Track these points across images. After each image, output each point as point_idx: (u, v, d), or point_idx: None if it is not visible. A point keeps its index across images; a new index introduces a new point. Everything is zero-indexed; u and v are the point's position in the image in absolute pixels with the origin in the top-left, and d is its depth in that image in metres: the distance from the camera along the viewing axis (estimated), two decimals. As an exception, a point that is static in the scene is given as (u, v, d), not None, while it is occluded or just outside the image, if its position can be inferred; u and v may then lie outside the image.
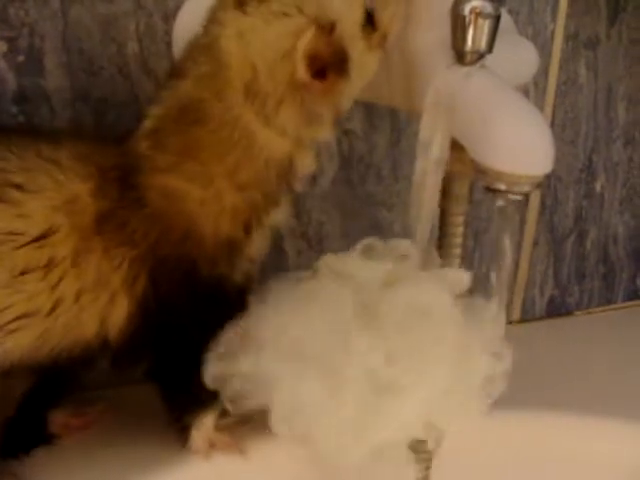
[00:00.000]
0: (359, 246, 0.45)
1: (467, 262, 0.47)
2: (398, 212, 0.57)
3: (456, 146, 0.42)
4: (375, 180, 0.57)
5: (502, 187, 0.40)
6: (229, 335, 0.43)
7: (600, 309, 0.73)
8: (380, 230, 0.57)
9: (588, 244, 0.70)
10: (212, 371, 0.42)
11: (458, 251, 0.46)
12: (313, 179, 0.55)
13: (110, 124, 0.49)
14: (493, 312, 0.44)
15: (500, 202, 0.41)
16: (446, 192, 0.45)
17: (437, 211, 0.45)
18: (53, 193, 0.40)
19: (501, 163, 0.39)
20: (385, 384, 0.41)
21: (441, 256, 0.46)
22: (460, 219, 0.45)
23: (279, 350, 0.42)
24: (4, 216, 0.39)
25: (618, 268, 0.72)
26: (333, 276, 0.44)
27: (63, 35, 0.47)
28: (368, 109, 0.55)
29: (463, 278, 0.44)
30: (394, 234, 0.45)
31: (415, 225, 0.44)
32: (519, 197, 0.41)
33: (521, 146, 0.39)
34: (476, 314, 0.44)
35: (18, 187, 0.39)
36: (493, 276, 0.44)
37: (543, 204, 0.67)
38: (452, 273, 0.45)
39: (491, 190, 0.40)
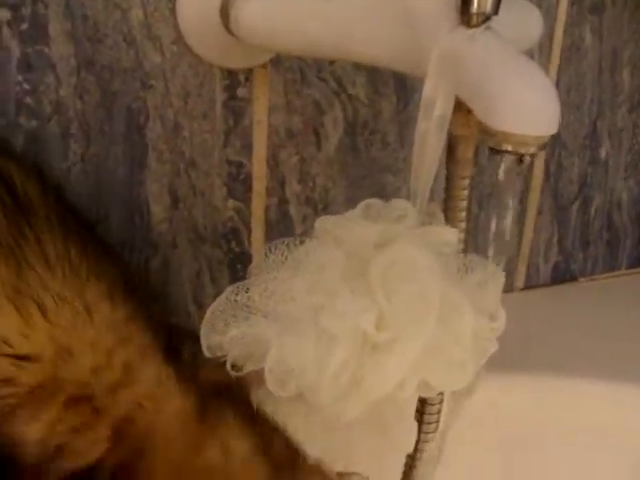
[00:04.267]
0: (359, 207, 0.45)
1: (472, 227, 0.47)
2: (404, 177, 0.57)
3: (462, 109, 0.42)
4: (380, 146, 0.57)
5: (509, 148, 0.40)
6: (219, 302, 0.43)
7: (604, 276, 0.73)
8: (386, 195, 0.56)
9: (592, 211, 0.70)
10: (206, 342, 0.43)
11: (464, 214, 0.46)
12: (318, 145, 0.55)
13: (115, 92, 0.49)
14: (488, 272, 0.45)
15: (506, 164, 0.41)
16: (451, 155, 0.45)
17: (438, 172, 0.45)
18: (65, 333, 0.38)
19: (508, 124, 0.39)
20: (374, 343, 0.41)
21: (447, 220, 0.46)
22: (465, 182, 0.45)
23: (270, 312, 0.42)
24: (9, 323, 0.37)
25: (622, 235, 0.73)
26: (329, 237, 0.44)
27: (67, 2, 0.47)
28: (372, 74, 0.55)
29: (452, 236, 0.44)
30: (400, 200, 0.45)
31: (415, 186, 0.45)
32: (526, 158, 0.41)
33: (527, 107, 0.39)
34: (469, 273, 0.44)
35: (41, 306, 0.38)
36: (491, 249, 0.44)
37: (547, 171, 0.67)
38: (442, 231, 0.45)
39: (497, 151, 0.40)
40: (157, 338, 0.41)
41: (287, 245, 0.44)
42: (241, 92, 0.52)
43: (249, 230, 0.55)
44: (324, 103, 0.54)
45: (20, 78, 0.47)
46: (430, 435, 0.49)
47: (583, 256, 0.71)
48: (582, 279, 0.72)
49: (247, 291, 0.43)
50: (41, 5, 0.46)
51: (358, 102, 0.55)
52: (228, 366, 0.43)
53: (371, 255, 0.43)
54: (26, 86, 0.47)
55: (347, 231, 0.44)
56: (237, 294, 0.43)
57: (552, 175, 0.67)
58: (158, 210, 0.53)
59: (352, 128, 0.56)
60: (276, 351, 0.42)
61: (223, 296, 0.43)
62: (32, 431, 0.37)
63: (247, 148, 0.53)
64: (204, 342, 0.42)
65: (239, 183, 0.54)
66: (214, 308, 0.43)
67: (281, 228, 0.56)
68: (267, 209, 0.55)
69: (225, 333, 0.42)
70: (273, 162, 0.55)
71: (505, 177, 0.42)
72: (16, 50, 0.47)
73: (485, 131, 0.41)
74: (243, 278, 0.43)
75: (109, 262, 0.42)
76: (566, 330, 0.64)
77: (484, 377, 0.47)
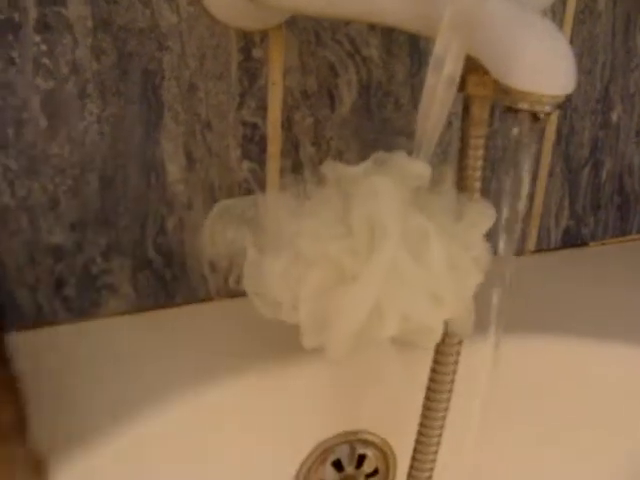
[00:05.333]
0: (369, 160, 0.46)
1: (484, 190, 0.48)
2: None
3: (477, 69, 0.43)
4: (393, 108, 0.57)
5: (525, 107, 0.40)
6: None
7: (614, 240, 0.74)
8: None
9: (603, 175, 0.70)
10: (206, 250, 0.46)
11: (478, 174, 0.46)
12: (332, 106, 0.56)
13: (131, 53, 0.49)
14: (473, 209, 0.45)
15: (520, 124, 0.42)
16: (466, 115, 0.45)
17: (452, 136, 0.46)
18: None
19: (524, 82, 0.40)
20: (345, 271, 0.43)
21: (461, 181, 0.47)
22: (480, 142, 0.45)
23: (256, 233, 0.45)
24: None
25: (633, 199, 0.73)
26: (332, 181, 0.45)
27: (83, -39, 0.47)
28: (386, 37, 0.55)
29: (424, 170, 0.45)
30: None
31: (419, 140, 0.45)
32: (541, 117, 0.41)
33: (544, 65, 0.39)
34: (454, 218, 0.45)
35: None
36: (505, 211, 0.45)
37: (559, 134, 0.67)
38: (414, 166, 0.45)
39: (513, 110, 0.41)
40: None
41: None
42: (256, 53, 0.52)
43: (263, 192, 0.56)
44: (338, 65, 0.55)
45: (37, 39, 0.47)
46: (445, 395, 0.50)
47: (594, 220, 0.71)
48: (593, 243, 0.72)
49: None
50: (58, -35, 0.47)
51: (372, 64, 0.55)
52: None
53: (353, 192, 0.44)
54: (43, 47, 0.48)
55: (345, 172, 0.45)
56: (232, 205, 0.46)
57: (564, 138, 0.67)
58: (174, 170, 0.53)
59: (366, 90, 0.56)
60: (252, 268, 0.44)
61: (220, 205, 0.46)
62: None
63: (262, 109, 0.54)
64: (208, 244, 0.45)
65: (254, 145, 0.54)
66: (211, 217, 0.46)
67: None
68: (281, 171, 0.56)
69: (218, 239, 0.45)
70: (287, 124, 0.55)
71: (519, 139, 0.42)
72: (33, 11, 0.47)
73: (501, 90, 0.41)
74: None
75: None
76: (575, 292, 0.64)
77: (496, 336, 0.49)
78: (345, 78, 0.55)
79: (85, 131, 0.50)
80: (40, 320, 0.53)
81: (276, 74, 0.53)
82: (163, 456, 0.48)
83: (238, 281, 0.46)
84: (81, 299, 0.54)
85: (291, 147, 0.55)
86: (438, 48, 0.43)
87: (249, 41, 0.52)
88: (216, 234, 0.46)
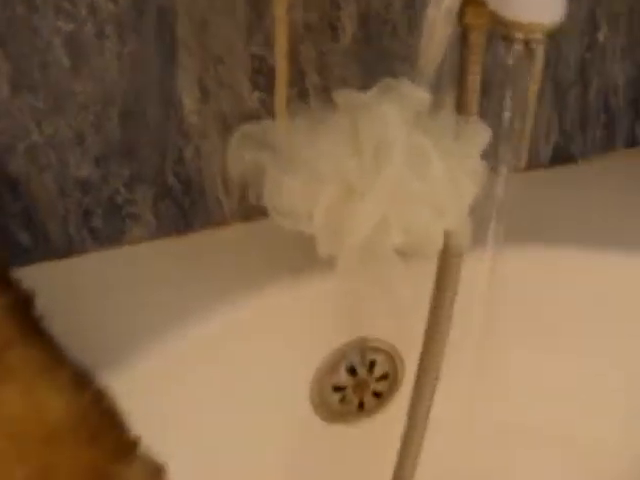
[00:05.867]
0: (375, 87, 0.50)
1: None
2: (412, 64, 0.61)
3: (475, 2, 0.46)
4: (391, 35, 0.60)
5: (520, 36, 0.44)
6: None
7: (601, 156, 0.78)
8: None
9: (590, 94, 0.74)
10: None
11: (476, 96, 0.50)
12: (335, 37, 0.59)
13: None
14: (469, 127, 0.50)
15: (516, 51, 0.45)
16: (465, 42, 0.49)
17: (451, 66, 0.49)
18: None
19: (519, 14, 0.43)
20: (353, 188, 0.48)
21: (460, 105, 0.50)
22: (478, 67, 0.49)
23: (274, 155, 0.49)
24: None
25: (618, 117, 0.76)
26: (343, 107, 0.50)
27: None
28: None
29: (423, 94, 0.49)
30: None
31: (422, 66, 0.49)
32: (533, 45, 0.45)
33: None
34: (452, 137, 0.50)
35: None
36: (506, 117, 0.49)
37: (547, 57, 0.70)
38: (414, 92, 0.49)
39: (508, 39, 0.45)
40: None
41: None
42: (262, -12, 0.55)
43: (273, 119, 0.59)
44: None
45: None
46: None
47: (582, 138, 0.75)
48: (581, 160, 0.76)
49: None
50: None
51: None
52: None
53: (361, 114, 0.49)
54: None
55: (355, 98, 0.49)
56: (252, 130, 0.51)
57: (552, 60, 0.70)
58: (189, 102, 0.56)
59: (365, 20, 0.59)
60: (271, 187, 0.49)
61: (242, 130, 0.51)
62: None
63: (269, 43, 0.57)
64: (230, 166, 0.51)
65: (262, 76, 0.58)
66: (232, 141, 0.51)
67: (302, 118, 0.60)
68: (289, 99, 0.59)
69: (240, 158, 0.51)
70: (293, 55, 0.58)
71: (513, 65, 0.46)
72: (51, -45, 0.49)
73: (498, 21, 0.45)
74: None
75: None
76: (565, 206, 0.69)
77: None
78: (346, 10, 0.58)
79: (105, 69, 0.53)
80: (70, 250, 0.58)
81: (281, 8, 0.56)
82: (199, 366, 0.53)
83: (258, 198, 0.50)
84: (107, 229, 0.58)
85: (297, 76, 0.59)
86: (437, -19, 0.46)
87: (254, -23, 0.55)
88: (237, 157, 0.50)
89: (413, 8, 0.60)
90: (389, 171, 0.47)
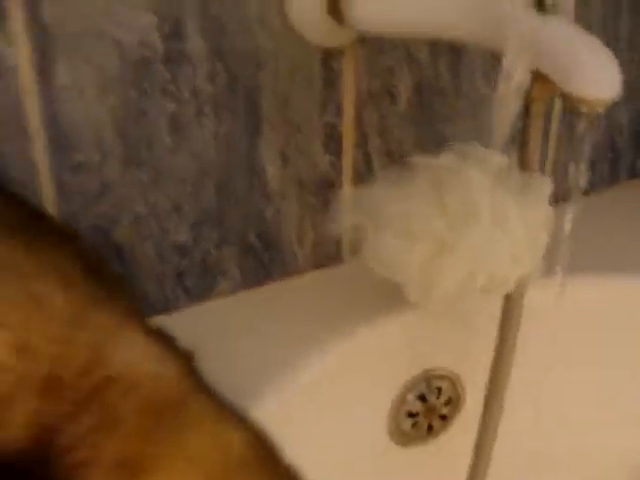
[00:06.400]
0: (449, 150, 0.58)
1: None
2: (459, 126, 0.69)
3: (541, 77, 0.54)
4: (441, 101, 0.68)
5: (584, 110, 0.52)
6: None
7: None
8: (445, 141, 0.68)
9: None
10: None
11: (537, 156, 0.57)
12: (393, 102, 0.66)
13: (236, 74, 0.58)
14: (536, 183, 0.57)
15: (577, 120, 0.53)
16: (527, 112, 0.56)
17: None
18: None
19: (585, 90, 0.51)
20: (444, 242, 0.56)
21: (523, 161, 0.58)
22: (539, 133, 0.57)
23: (372, 212, 0.57)
24: None
25: (622, 153, 0.86)
26: (422, 168, 0.58)
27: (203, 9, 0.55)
28: (433, 46, 0.65)
29: (501, 161, 0.57)
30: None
31: (496, 134, 0.57)
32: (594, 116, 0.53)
33: (600, 77, 0.51)
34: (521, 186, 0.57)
35: None
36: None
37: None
38: (493, 157, 0.57)
39: (575, 111, 0.53)
40: (129, 314, 0.44)
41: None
42: (335, 65, 0.62)
43: (340, 180, 0.66)
44: (397, 68, 0.65)
45: (164, 70, 0.56)
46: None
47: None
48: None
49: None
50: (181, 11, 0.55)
51: (423, 66, 0.66)
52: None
53: (446, 178, 0.56)
54: (168, 75, 0.56)
55: (433, 162, 0.57)
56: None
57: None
58: (271, 170, 0.63)
59: (419, 87, 0.66)
60: (371, 243, 0.57)
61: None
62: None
63: (339, 111, 0.64)
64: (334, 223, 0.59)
65: (333, 141, 0.64)
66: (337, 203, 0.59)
67: (366, 175, 0.67)
68: (354, 161, 0.66)
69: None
70: (358, 121, 0.65)
71: (581, 131, 0.54)
72: (160, 48, 0.55)
73: (565, 96, 0.52)
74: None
75: (61, 252, 0.43)
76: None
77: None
78: (402, 79, 0.65)
79: (205, 149, 0.59)
80: (167, 307, 0.63)
81: (350, 80, 0.63)
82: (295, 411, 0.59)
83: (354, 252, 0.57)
84: (198, 286, 0.64)
85: (362, 140, 0.66)
86: (507, 63, 0.54)
87: (328, 55, 0.61)
88: (337, 219, 0.57)
89: (459, 77, 0.68)
90: (476, 229, 0.54)
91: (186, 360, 0.46)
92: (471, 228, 0.55)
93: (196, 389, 0.44)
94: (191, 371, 0.45)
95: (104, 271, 0.47)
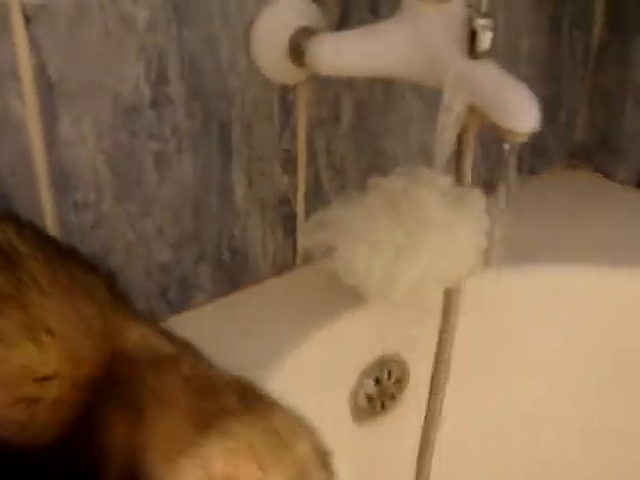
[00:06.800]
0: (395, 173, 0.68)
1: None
2: (394, 142, 0.80)
3: (474, 111, 0.65)
4: (378, 122, 0.78)
5: (510, 140, 0.63)
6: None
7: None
8: (385, 157, 0.79)
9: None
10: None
11: (470, 172, 0.69)
12: (338, 126, 0.75)
13: (211, 111, 0.65)
14: (474, 197, 0.69)
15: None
16: (460, 138, 0.67)
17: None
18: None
19: (513, 124, 0.62)
20: (402, 249, 0.67)
21: (458, 177, 0.69)
22: (472, 154, 0.68)
23: (341, 228, 0.67)
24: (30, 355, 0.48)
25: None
26: (377, 190, 0.68)
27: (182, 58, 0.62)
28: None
29: (444, 181, 0.68)
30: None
31: (436, 157, 0.67)
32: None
33: (525, 113, 0.62)
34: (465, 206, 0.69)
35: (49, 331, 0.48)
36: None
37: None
38: (439, 179, 0.69)
39: (505, 141, 0.64)
40: (138, 317, 0.55)
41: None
42: (290, 98, 0.70)
43: (296, 196, 0.75)
44: (340, 95, 0.74)
45: (150, 112, 0.62)
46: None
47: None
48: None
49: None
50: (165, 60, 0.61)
51: (361, 90, 0.75)
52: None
53: (401, 198, 0.67)
54: (154, 118, 0.63)
55: (387, 184, 0.67)
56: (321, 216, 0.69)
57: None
58: (239, 191, 0.70)
59: (359, 111, 0.76)
60: (342, 255, 0.68)
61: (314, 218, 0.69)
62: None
63: (294, 136, 0.72)
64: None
65: (289, 162, 0.73)
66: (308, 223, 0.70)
67: (316, 190, 0.76)
68: (307, 177, 0.75)
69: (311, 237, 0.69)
70: (309, 143, 0.74)
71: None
72: (148, 93, 0.61)
73: (494, 127, 0.63)
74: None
75: (90, 278, 0.53)
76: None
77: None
78: (345, 105, 0.74)
79: (183, 177, 0.66)
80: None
81: (302, 110, 0.71)
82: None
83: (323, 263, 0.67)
84: (178, 299, 0.71)
85: (312, 159, 0.75)
86: (446, 98, 0.64)
87: (285, 90, 0.70)
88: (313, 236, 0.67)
89: (390, 104, 0.78)
90: (429, 237, 0.65)
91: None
92: (424, 236, 0.65)
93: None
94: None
95: (118, 290, 0.56)
